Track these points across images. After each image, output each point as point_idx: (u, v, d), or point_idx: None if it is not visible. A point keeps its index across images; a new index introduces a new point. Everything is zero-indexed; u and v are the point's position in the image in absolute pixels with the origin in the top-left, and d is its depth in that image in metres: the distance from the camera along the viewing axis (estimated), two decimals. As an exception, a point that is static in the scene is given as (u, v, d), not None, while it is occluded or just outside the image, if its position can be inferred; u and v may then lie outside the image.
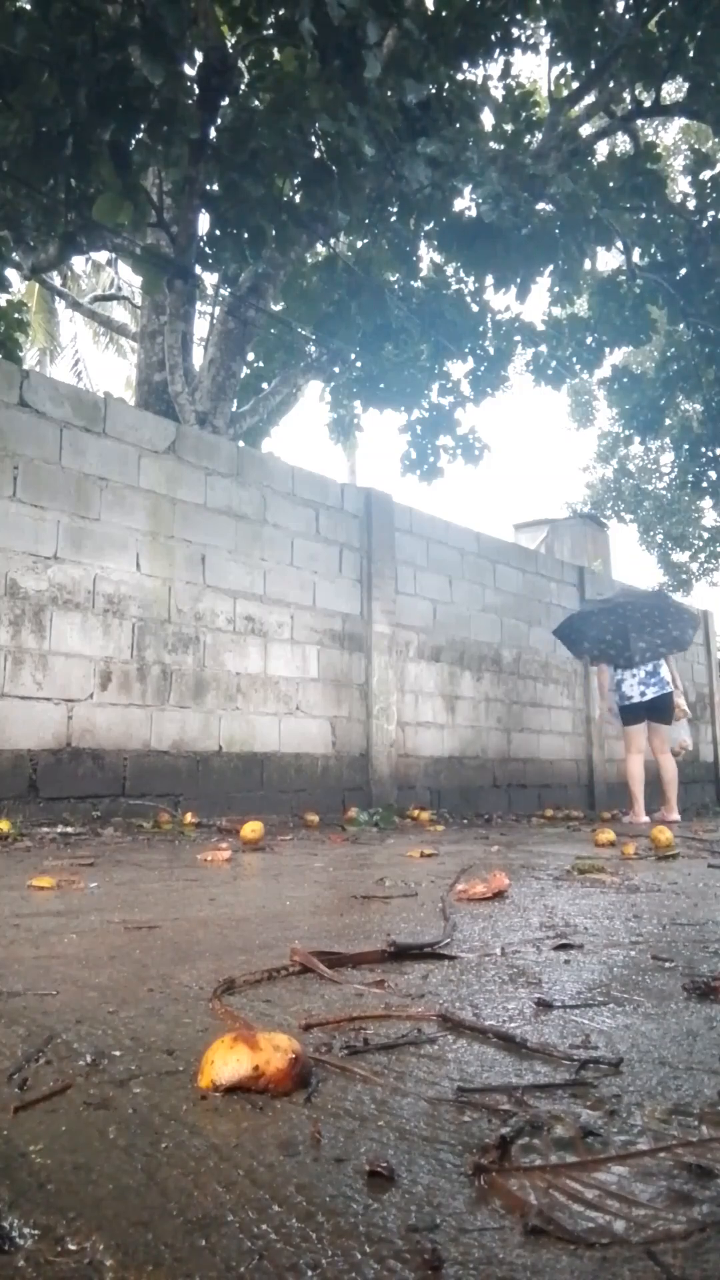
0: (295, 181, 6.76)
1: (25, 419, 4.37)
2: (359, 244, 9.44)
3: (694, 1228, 0.56)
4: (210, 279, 8.42)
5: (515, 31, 7.82)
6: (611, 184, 8.47)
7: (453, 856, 3.22)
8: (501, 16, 7.37)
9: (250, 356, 9.28)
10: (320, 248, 9.05)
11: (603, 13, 7.77)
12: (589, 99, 9.01)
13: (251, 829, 3.49)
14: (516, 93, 8.85)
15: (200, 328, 9.32)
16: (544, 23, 8.21)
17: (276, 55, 6.55)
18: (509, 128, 8.78)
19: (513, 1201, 0.59)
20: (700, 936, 1.62)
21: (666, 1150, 0.67)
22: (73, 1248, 0.54)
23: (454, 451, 10.44)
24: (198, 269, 7.08)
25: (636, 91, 9.41)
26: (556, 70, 9.08)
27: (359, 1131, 0.72)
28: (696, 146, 12.10)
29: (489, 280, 8.44)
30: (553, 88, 9.34)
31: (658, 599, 6.60)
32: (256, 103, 6.53)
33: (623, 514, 22.02)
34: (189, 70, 5.64)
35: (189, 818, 4.44)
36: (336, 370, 9.43)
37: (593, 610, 6.54)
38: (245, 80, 6.43)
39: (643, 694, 6.23)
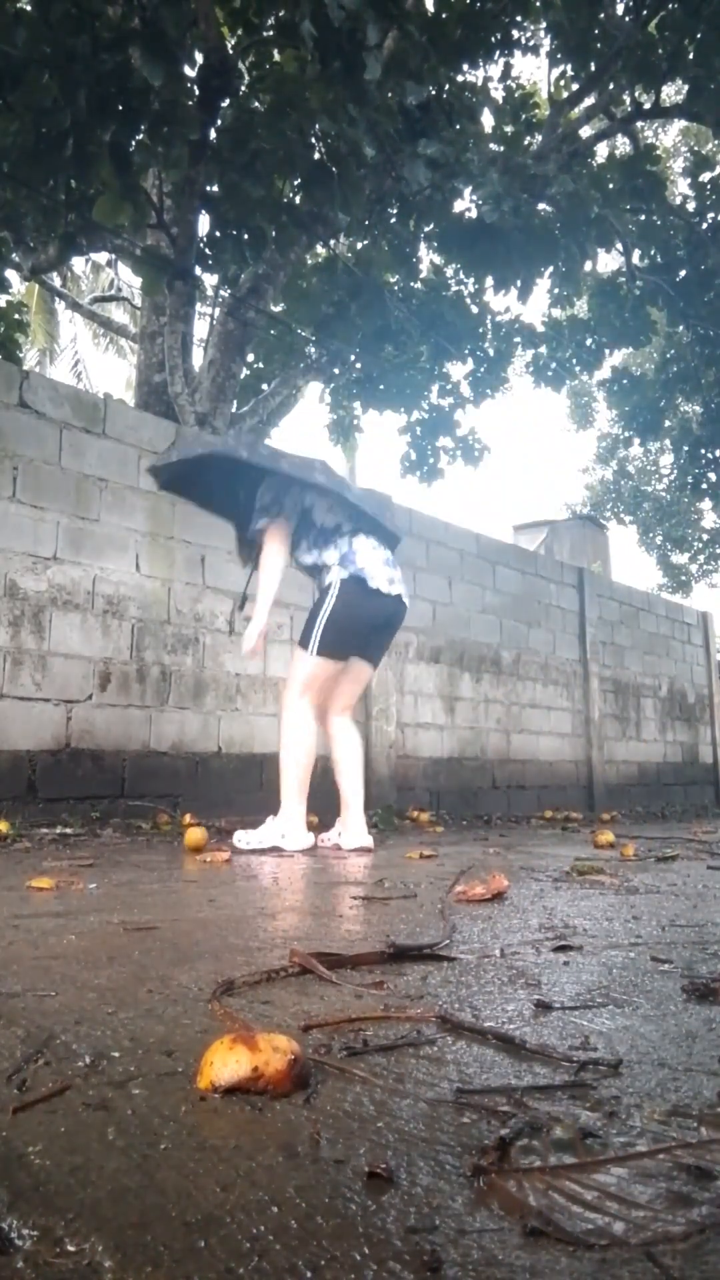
0: (295, 183, 6.76)
1: (25, 420, 4.37)
2: (359, 245, 9.44)
3: (693, 1229, 0.56)
4: (210, 280, 8.42)
5: (515, 33, 7.83)
6: (611, 186, 8.48)
7: (452, 858, 3.22)
8: (501, 18, 7.38)
9: (250, 357, 9.28)
10: (320, 249, 9.06)
11: (602, 15, 7.78)
12: (589, 101, 9.02)
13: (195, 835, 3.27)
14: (516, 94, 8.86)
15: (200, 329, 9.32)
16: (544, 25, 8.22)
17: (277, 57, 6.56)
18: (509, 129, 8.79)
19: (512, 1203, 0.59)
20: (699, 938, 1.62)
21: (665, 1152, 0.67)
22: (71, 1249, 0.54)
23: (454, 453, 10.45)
24: (198, 270, 7.08)
25: (636, 93, 9.42)
26: (556, 72, 9.10)
27: (358, 1133, 0.72)
28: (696, 148, 12.12)
29: (489, 282, 8.44)
30: (553, 89, 9.36)
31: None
32: (256, 104, 6.53)
33: (622, 515, 22.04)
34: (189, 71, 5.64)
35: (188, 819, 4.44)
36: (336, 371, 9.43)
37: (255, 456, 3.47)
38: (245, 82, 6.44)
39: (391, 583, 3.46)
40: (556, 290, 9.65)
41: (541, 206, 7.85)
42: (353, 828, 3.55)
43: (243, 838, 3.43)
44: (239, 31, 6.44)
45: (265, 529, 3.49)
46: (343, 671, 3.56)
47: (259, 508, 3.50)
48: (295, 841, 3.41)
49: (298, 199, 6.91)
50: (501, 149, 8.22)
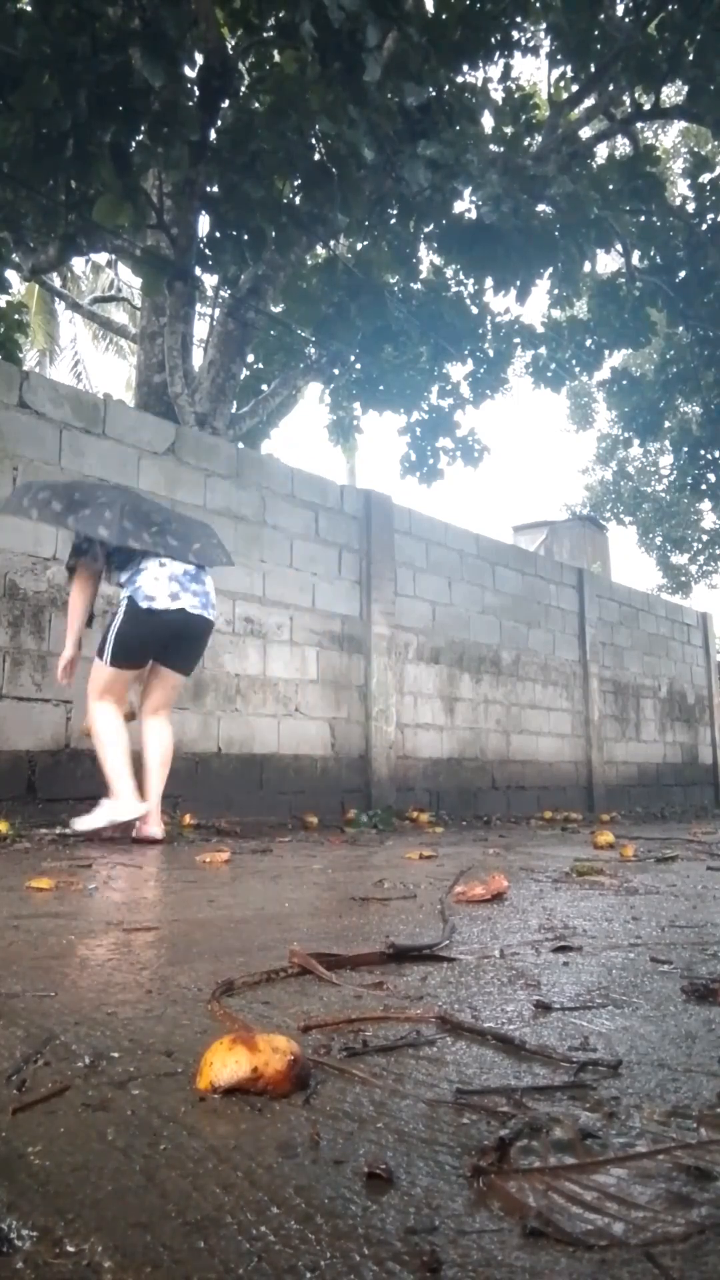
0: (295, 183, 6.76)
1: (25, 420, 4.37)
2: (359, 246, 9.45)
3: (693, 1230, 0.56)
4: (210, 280, 8.42)
5: (515, 34, 7.84)
6: (611, 186, 8.48)
7: (451, 858, 3.22)
8: (501, 19, 7.38)
9: (250, 358, 9.29)
10: (320, 250, 9.06)
11: (602, 15, 7.78)
12: (589, 102, 9.03)
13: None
14: (516, 95, 8.87)
15: (200, 329, 9.32)
16: (543, 25, 8.22)
17: (277, 57, 6.56)
18: (509, 130, 8.80)
19: (511, 1203, 0.59)
20: (699, 939, 1.62)
21: (665, 1152, 0.67)
22: (71, 1249, 0.54)
23: (453, 453, 10.45)
24: (197, 270, 7.08)
25: (636, 94, 9.43)
26: (556, 73, 9.11)
27: (358, 1133, 0.72)
28: (696, 149, 12.12)
29: (489, 282, 8.44)
30: (552, 90, 9.37)
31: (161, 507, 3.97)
32: (256, 105, 6.54)
33: (622, 516, 22.04)
34: (189, 72, 5.65)
35: (187, 819, 4.44)
36: (336, 372, 9.43)
37: (76, 485, 3.88)
38: (245, 82, 6.44)
39: (174, 598, 3.59)
40: (556, 291, 9.66)
41: (541, 207, 7.86)
42: (149, 818, 3.75)
43: (79, 822, 3.65)
44: (239, 32, 6.45)
45: (75, 568, 3.78)
46: (150, 676, 3.83)
47: (73, 545, 3.79)
48: (127, 810, 3.63)
49: (298, 200, 6.91)
50: (501, 150, 8.22)
